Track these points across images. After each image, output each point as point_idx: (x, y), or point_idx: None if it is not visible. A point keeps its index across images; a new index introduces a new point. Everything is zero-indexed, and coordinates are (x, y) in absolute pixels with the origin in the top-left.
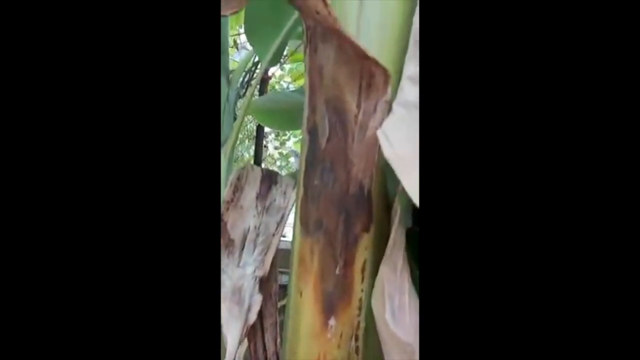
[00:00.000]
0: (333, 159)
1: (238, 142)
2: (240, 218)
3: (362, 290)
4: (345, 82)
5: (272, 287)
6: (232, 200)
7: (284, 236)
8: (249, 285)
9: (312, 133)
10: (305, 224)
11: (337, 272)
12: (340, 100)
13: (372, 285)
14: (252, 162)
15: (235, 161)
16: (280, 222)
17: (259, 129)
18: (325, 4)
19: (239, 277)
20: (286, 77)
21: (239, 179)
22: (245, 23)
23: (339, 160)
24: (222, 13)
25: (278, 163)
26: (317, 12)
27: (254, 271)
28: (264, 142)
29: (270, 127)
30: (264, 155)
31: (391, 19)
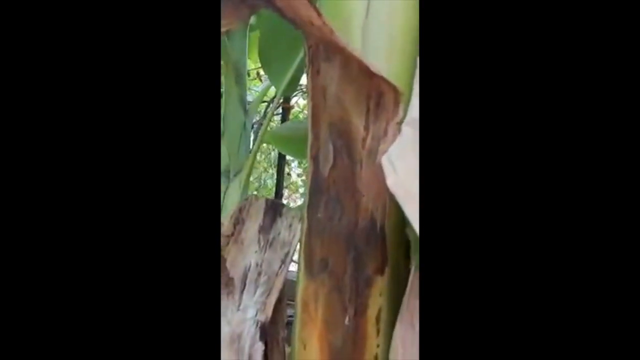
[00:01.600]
0: (339, 188)
1: (262, 170)
2: (241, 254)
3: (377, 346)
4: (351, 103)
5: (277, 333)
6: (232, 234)
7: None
8: (250, 332)
9: (316, 160)
10: (309, 263)
11: (346, 322)
12: (345, 122)
13: (390, 339)
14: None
15: (257, 190)
16: (285, 260)
17: (280, 156)
18: (319, 14)
19: (238, 322)
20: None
21: (240, 210)
22: (259, 52)
23: (346, 190)
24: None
25: (301, 190)
26: (312, 24)
27: (256, 315)
28: (287, 170)
29: (289, 154)
30: (286, 183)
31: (400, 28)
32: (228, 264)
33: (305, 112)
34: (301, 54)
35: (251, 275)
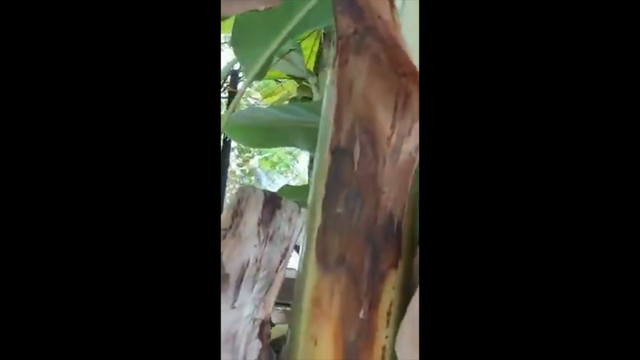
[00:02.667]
0: (361, 184)
1: None
2: (238, 249)
3: (386, 337)
4: (378, 100)
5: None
6: (230, 227)
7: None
8: (246, 331)
9: (337, 154)
10: (323, 258)
11: (361, 315)
12: (371, 119)
13: (396, 330)
14: None
15: None
16: (285, 255)
17: (225, 146)
18: (392, 6)
19: (233, 321)
20: (254, 94)
21: (239, 202)
22: (233, 31)
23: (368, 187)
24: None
25: (240, 181)
26: (379, 17)
27: (253, 313)
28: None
29: (241, 143)
30: (226, 173)
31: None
32: (224, 259)
33: (248, 99)
34: (275, 44)
35: (249, 271)
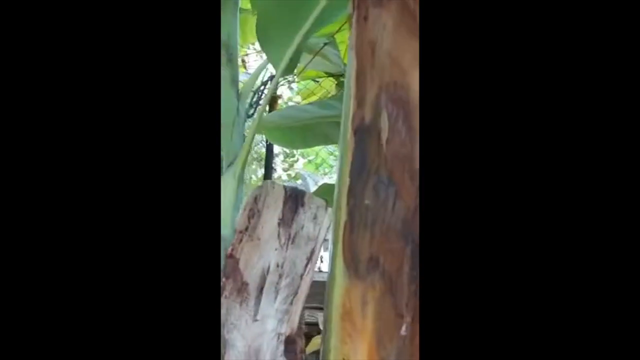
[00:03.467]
0: (392, 167)
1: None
2: (257, 253)
3: None
4: (408, 61)
5: (295, 343)
6: (246, 229)
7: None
8: (270, 347)
9: (361, 133)
10: (352, 262)
11: (402, 331)
12: (401, 86)
13: None
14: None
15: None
16: (311, 258)
17: (268, 150)
18: None
19: (255, 336)
20: (295, 97)
21: (255, 200)
22: (257, 31)
23: (402, 169)
24: None
25: None
26: None
27: (277, 327)
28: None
29: (281, 145)
30: (272, 178)
31: None
32: (242, 266)
33: (290, 104)
34: (301, 34)
35: (271, 279)
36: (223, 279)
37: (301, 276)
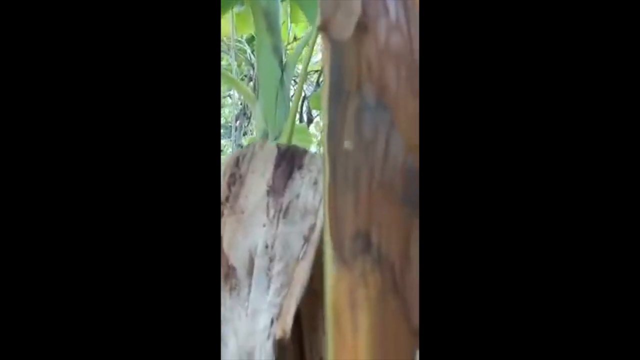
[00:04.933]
0: (384, 77)
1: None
2: (242, 230)
3: None
4: None
5: (304, 353)
6: (227, 199)
7: None
8: (264, 350)
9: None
10: (338, 241)
11: (415, 358)
12: None
13: None
14: None
15: None
16: (309, 237)
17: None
18: None
19: (247, 334)
20: None
21: (237, 162)
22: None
23: (398, 79)
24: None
25: None
26: None
27: (271, 325)
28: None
29: None
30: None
31: None
32: (225, 245)
33: None
34: None
35: (259, 263)
36: None
37: (297, 259)
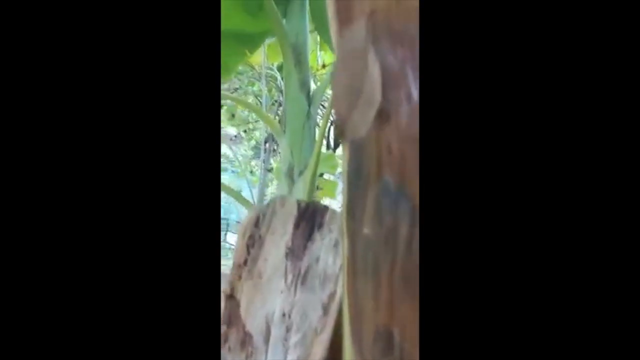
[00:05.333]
0: (404, 162)
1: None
2: (260, 295)
3: None
4: None
5: None
6: (245, 262)
7: None
8: None
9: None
10: (357, 337)
11: None
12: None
13: None
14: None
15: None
16: (329, 306)
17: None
18: None
19: None
20: None
21: (257, 223)
22: (312, 14)
23: (415, 165)
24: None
25: None
26: None
27: None
28: None
29: None
30: None
31: None
32: (243, 311)
33: None
34: None
35: (276, 332)
36: (224, 327)
37: (315, 331)
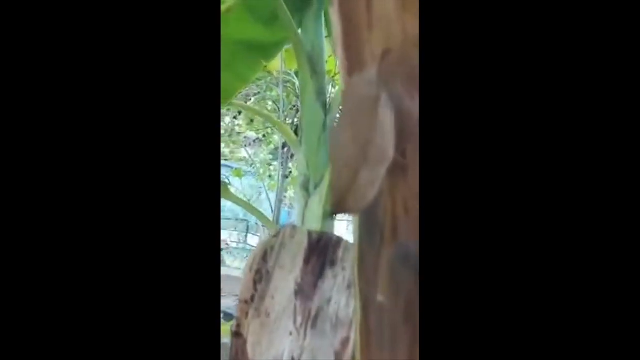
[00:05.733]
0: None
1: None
2: (267, 336)
3: None
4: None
5: None
6: (252, 298)
7: None
8: None
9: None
10: None
11: None
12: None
13: None
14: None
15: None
16: (342, 353)
17: None
18: None
19: None
20: None
21: (264, 257)
22: (327, 25)
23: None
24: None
25: None
26: None
27: None
28: None
29: None
30: None
31: None
32: (250, 349)
33: None
34: None
35: None
36: None
37: None
